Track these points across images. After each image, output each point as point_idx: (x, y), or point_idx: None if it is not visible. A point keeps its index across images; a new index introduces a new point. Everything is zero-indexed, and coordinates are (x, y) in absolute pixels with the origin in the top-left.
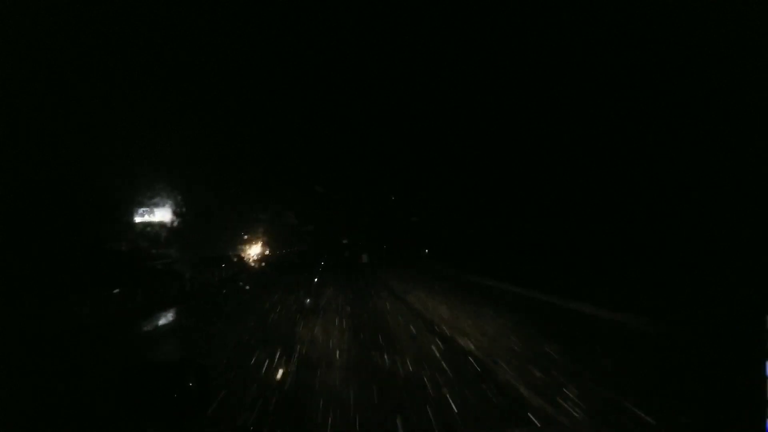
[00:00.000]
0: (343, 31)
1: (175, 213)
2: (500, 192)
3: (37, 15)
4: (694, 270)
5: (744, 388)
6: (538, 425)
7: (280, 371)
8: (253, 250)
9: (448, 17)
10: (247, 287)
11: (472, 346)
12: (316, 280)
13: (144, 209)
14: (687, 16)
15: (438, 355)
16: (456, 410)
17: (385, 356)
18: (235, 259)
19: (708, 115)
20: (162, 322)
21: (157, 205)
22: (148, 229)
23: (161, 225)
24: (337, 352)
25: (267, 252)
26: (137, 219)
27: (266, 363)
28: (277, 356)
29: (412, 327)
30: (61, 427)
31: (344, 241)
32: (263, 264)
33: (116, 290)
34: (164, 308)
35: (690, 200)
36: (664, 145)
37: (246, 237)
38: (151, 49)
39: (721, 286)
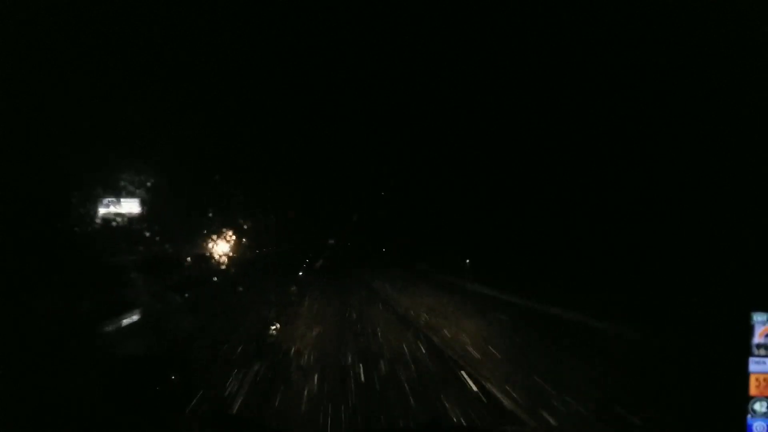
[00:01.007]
0: (339, 26)
1: (146, 205)
2: (501, 191)
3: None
4: (680, 267)
5: (727, 384)
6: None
7: None
8: (226, 249)
9: (446, 14)
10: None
11: None
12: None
13: (109, 199)
14: (687, 15)
15: None
16: None
17: None
18: (206, 259)
19: (706, 115)
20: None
21: (125, 194)
22: (114, 221)
23: (129, 217)
24: None
25: (244, 252)
26: (101, 210)
27: None
28: None
29: None
30: (44, 424)
31: (330, 242)
32: (235, 266)
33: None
34: (123, 312)
35: (676, 196)
36: (651, 140)
37: (221, 235)
38: (127, 31)
39: (708, 282)
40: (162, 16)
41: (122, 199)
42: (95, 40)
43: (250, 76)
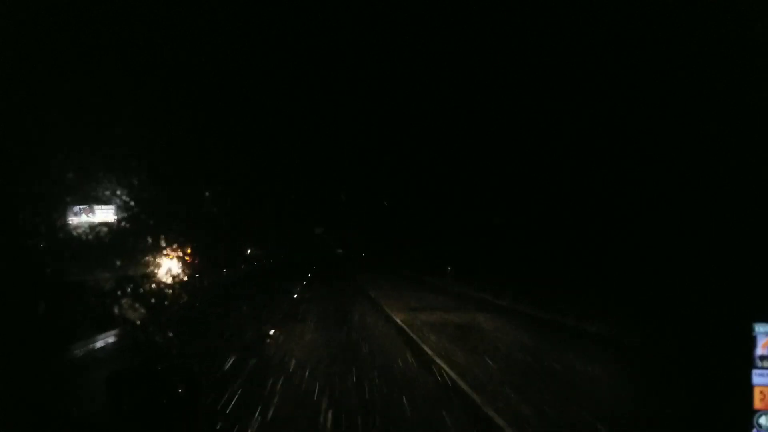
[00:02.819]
0: (333, 24)
1: (125, 213)
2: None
3: None
4: (682, 276)
5: (730, 396)
6: None
7: None
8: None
9: (441, 12)
10: None
11: None
12: None
13: (81, 207)
14: (686, 15)
15: None
16: None
17: None
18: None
19: (707, 115)
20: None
21: (101, 201)
22: (87, 232)
23: (104, 228)
24: None
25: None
26: (72, 219)
27: None
28: None
29: None
30: None
31: (339, 251)
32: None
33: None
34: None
35: (675, 201)
36: (645, 142)
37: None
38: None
39: (708, 293)
40: (135, 15)
41: (96, 206)
42: (66, 40)
43: (241, 70)
